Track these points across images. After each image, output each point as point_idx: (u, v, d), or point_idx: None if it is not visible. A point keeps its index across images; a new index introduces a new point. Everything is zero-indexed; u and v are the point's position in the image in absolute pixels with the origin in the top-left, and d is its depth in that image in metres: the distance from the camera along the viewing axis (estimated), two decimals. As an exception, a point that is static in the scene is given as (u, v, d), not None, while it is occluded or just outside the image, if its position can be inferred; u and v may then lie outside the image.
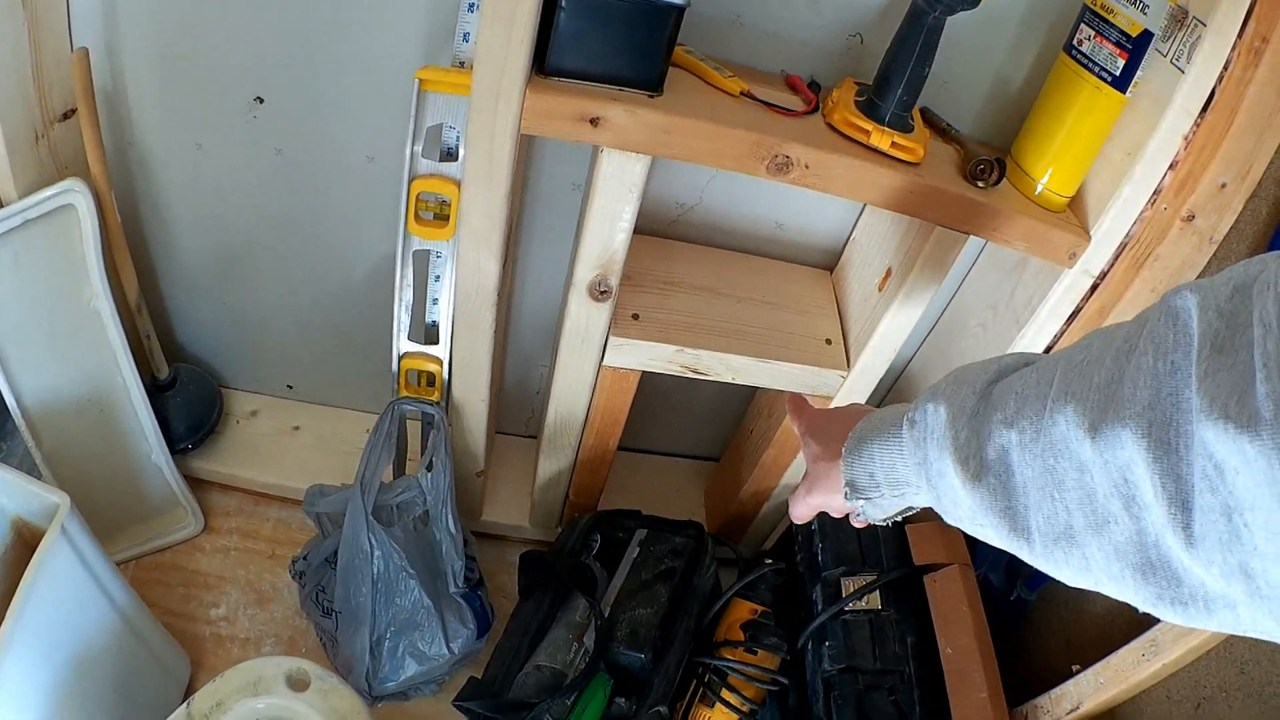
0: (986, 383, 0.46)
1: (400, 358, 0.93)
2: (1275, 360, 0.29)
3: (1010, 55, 0.90)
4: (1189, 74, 0.76)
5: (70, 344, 0.96)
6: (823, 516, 0.98)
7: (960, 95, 0.92)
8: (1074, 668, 0.92)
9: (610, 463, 1.02)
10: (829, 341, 0.94)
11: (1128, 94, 0.80)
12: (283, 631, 1.06)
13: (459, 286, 0.82)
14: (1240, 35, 0.76)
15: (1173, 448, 0.33)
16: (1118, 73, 0.79)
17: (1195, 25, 0.76)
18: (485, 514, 1.14)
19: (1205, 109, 0.80)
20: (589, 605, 0.90)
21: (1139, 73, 0.79)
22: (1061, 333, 0.97)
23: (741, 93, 0.78)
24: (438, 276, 0.88)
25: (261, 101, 0.92)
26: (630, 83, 0.73)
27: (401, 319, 0.90)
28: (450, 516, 0.93)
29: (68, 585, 0.77)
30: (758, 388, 1.15)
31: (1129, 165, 0.84)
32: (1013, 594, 1.00)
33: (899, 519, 0.57)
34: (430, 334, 0.92)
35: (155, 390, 1.07)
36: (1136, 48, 0.77)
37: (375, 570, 0.93)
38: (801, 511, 0.63)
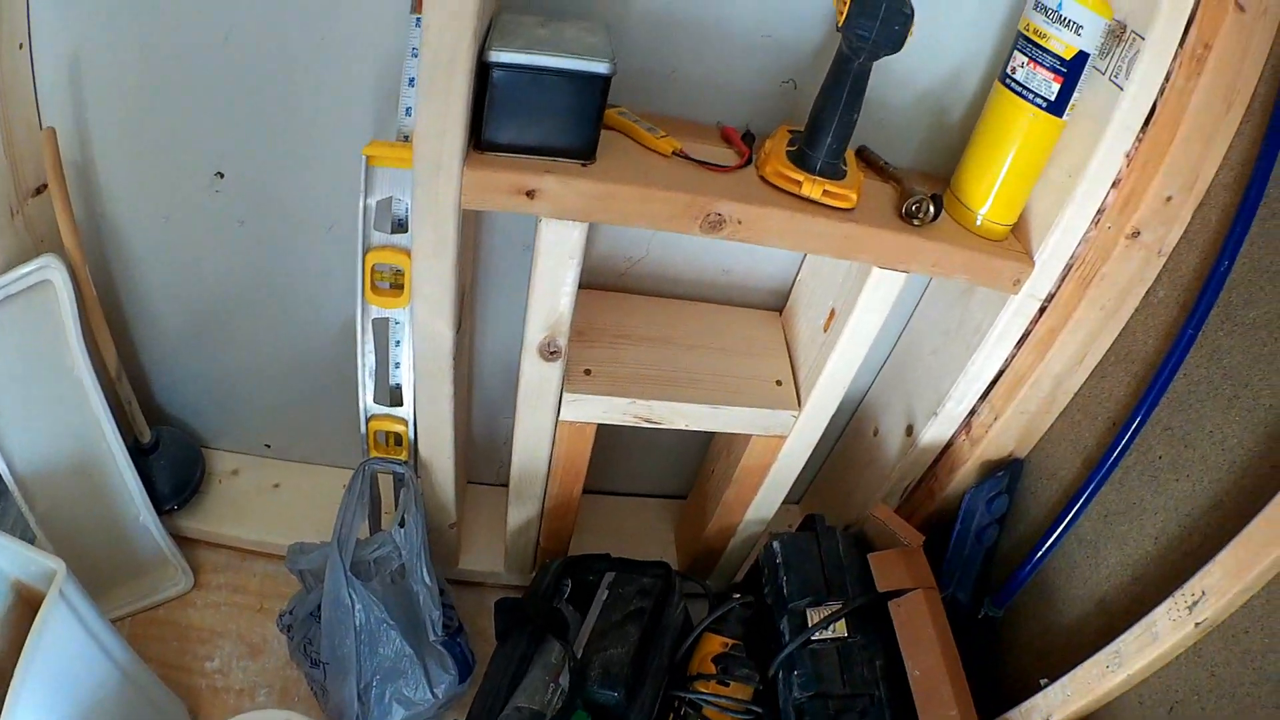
0: None
1: (368, 420, 0.96)
2: None
3: (950, 85, 0.91)
4: (1128, 90, 0.77)
5: (56, 412, 1.00)
6: (787, 548, 1.00)
7: (900, 129, 0.93)
8: (1041, 681, 0.94)
9: (577, 509, 1.05)
10: (779, 383, 0.96)
11: (1065, 117, 0.81)
12: (275, 681, 1.10)
13: (417, 352, 0.85)
14: (1182, 44, 0.76)
15: None
16: (1053, 98, 0.79)
17: (1134, 39, 0.76)
18: (462, 562, 1.17)
19: (1147, 124, 0.80)
20: (562, 648, 0.93)
21: (1076, 94, 0.79)
22: (1012, 356, 0.99)
23: (674, 152, 0.80)
24: (398, 341, 0.91)
25: (222, 176, 0.95)
26: (564, 152, 0.76)
27: (366, 383, 0.93)
28: (425, 569, 0.96)
29: (68, 645, 0.81)
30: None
31: (1071, 187, 0.84)
32: (980, 612, 1.02)
33: None
34: (395, 396, 0.95)
35: (139, 453, 1.10)
36: (1071, 71, 0.77)
37: (357, 622, 0.96)
38: None
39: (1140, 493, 0.91)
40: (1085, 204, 0.85)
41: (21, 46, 0.85)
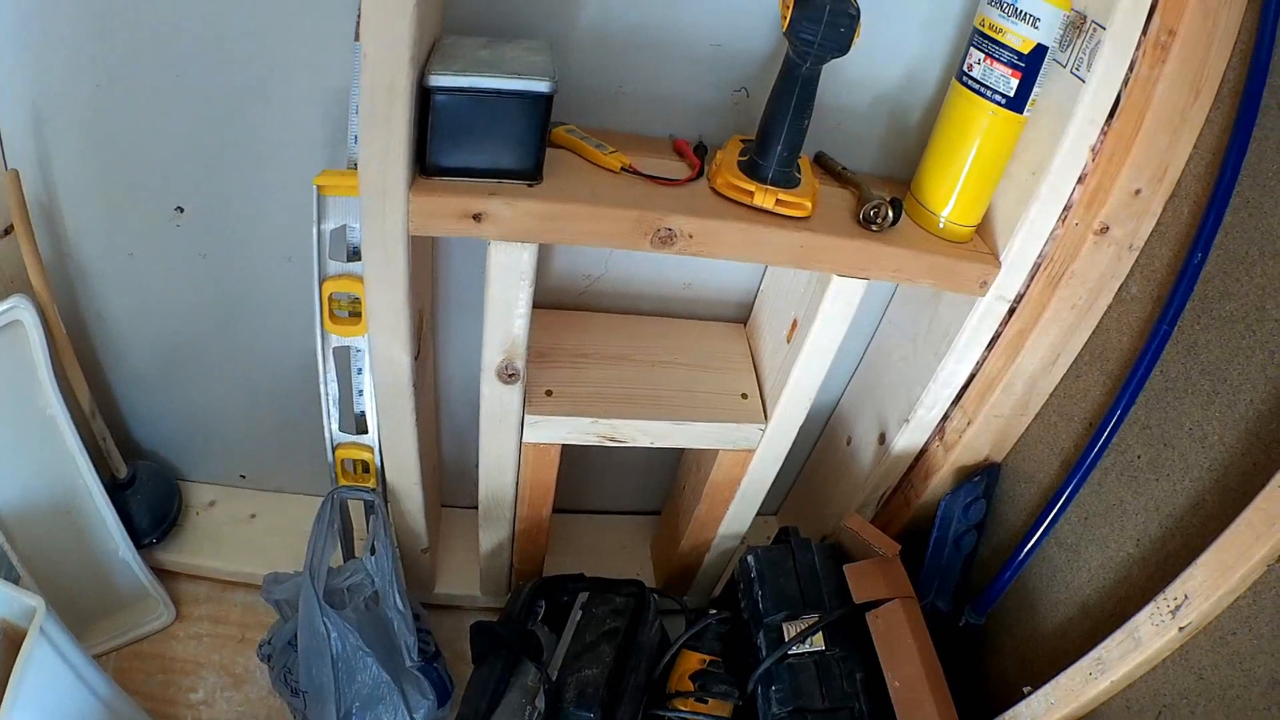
0: None
1: (334, 448, 0.96)
2: None
3: (907, 87, 0.89)
4: (1090, 82, 0.75)
5: (31, 451, 1.00)
6: (762, 562, 0.99)
7: (858, 133, 0.92)
8: (1025, 689, 0.92)
9: (548, 529, 1.04)
10: (745, 396, 0.95)
11: (1025, 113, 0.79)
12: (259, 711, 1.09)
13: (377, 379, 0.85)
14: (1145, 32, 0.73)
15: None
16: (1012, 94, 0.77)
17: (1094, 29, 0.74)
18: (439, 586, 1.17)
19: (1111, 116, 0.78)
20: (538, 670, 0.93)
21: (1036, 89, 0.77)
22: (983, 359, 0.97)
23: (623, 168, 0.79)
24: (360, 369, 0.91)
25: (182, 211, 0.96)
26: (509, 174, 0.75)
27: (331, 412, 0.93)
28: (398, 595, 0.95)
29: (52, 682, 0.81)
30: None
31: (1035, 184, 0.82)
32: (961, 620, 1.00)
33: None
34: (360, 423, 0.95)
35: (116, 489, 1.11)
36: (1030, 65, 0.75)
37: (334, 651, 0.95)
38: None
39: (1120, 494, 0.89)
40: (1050, 201, 0.83)
41: (-18, 92, 0.86)
